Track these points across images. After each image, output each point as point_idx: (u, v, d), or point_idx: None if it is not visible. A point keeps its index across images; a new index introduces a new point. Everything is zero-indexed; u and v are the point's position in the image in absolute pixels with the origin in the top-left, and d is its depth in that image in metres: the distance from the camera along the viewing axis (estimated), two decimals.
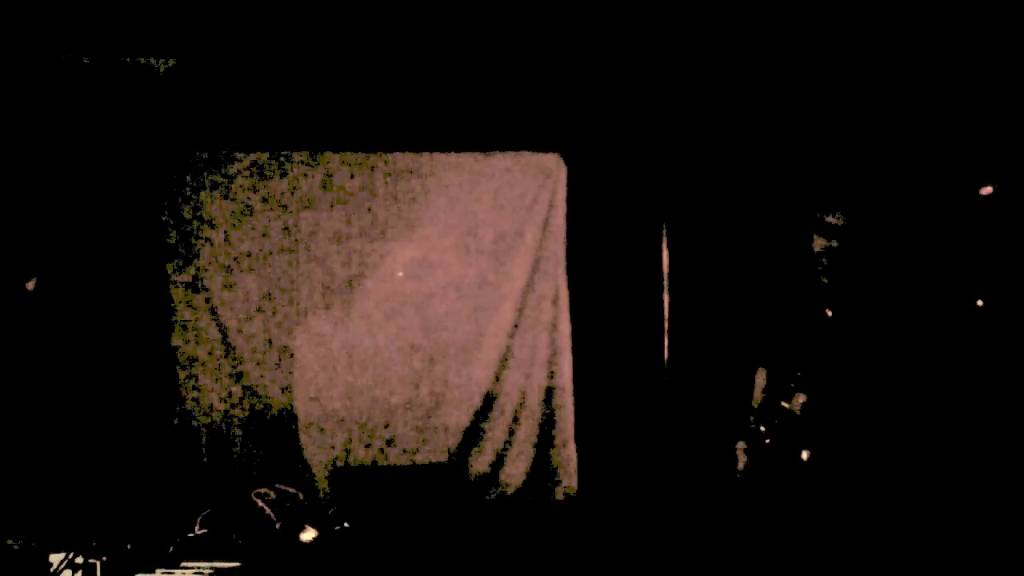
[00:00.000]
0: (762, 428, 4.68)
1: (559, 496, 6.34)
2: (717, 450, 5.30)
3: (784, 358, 4.67)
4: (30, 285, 3.53)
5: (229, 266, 6.16)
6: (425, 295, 6.31)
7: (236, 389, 6.15)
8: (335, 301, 6.25)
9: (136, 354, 5.89)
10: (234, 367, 6.15)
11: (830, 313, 4.59)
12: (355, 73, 5.92)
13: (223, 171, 6.17)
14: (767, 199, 6.06)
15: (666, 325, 6.29)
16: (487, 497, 6.28)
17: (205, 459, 6.07)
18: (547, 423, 6.37)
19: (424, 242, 6.34)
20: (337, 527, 4.09)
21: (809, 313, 4.64)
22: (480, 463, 6.31)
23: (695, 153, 6.25)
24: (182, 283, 6.13)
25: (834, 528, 4.60)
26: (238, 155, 6.18)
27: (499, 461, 6.33)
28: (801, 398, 4.58)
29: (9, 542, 2.99)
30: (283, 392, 6.18)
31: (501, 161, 6.36)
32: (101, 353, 5.62)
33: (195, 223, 6.14)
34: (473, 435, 6.31)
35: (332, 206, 6.26)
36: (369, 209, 6.29)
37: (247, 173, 6.19)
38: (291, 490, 4.20)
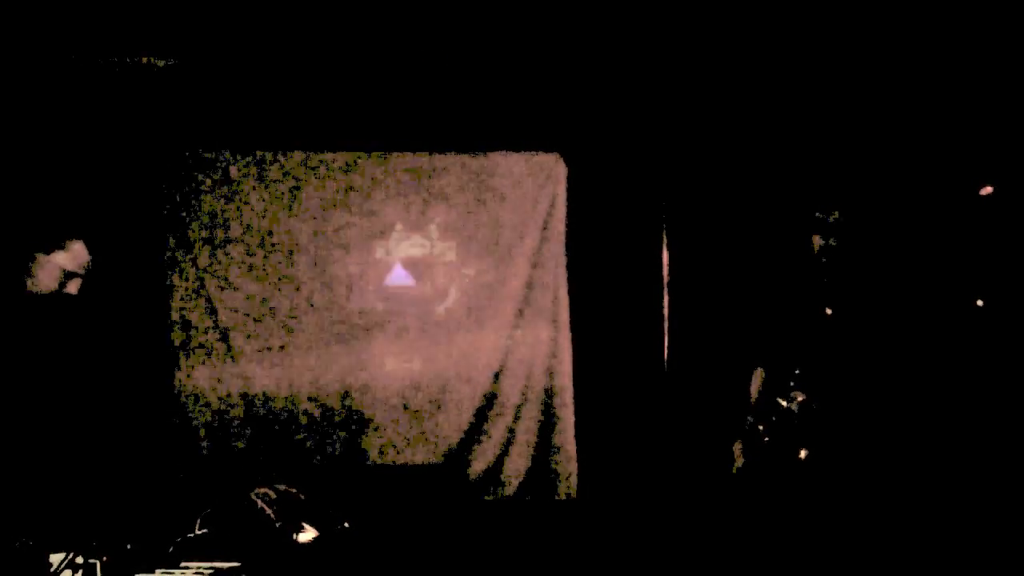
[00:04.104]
0: (761, 427, 4.67)
1: (559, 496, 6.34)
2: (717, 450, 5.29)
3: (783, 357, 4.67)
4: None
5: (229, 266, 6.17)
6: (425, 295, 6.32)
7: (236, 388, 6.16)
8: (335, 301, 6.26)
9: (136, 354, 5.91)
10: (234, 367, 6.16)
11: (829, 312, 4.58)
12: (355, 73, 5.92)
13: (223, 171, 6.18)
14: (766, 198, 6.06)
15: (666, 325, 6.29)
16: (487, 497, 6.29)
17: (205, 459, 6.09)
18: (547, 423, 6.38)
19: (424, 242, 6.34)
20: (337, 527, 4.08)
21: (808, 312, 4.64)
22: (480, 463, 6.32)
23: (695, 153, 6.25)
24: (182, 283, 6.14)
25: (834, 527, 4.60)
26: (238, 155, 6.20)
27: (499, 461, 6.33)
28: (800, 397, 4.58)
29: (11, 543, 2.99)
30: (283, 392, 6.19)
31: (501, 161, 6.37)
32: (101, 353, 5.62)
33: (195, 223, 6.15)
34: (473, 435, 6.32)
35: (332, 206, 6.27)
36: (369, 209, 6.29)
37: (247, 173, 6.20)
38: (291, 490, 4.19)
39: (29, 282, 3.51)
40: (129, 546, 3.14)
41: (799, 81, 5.95)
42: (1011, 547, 4.91)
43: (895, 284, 5.30)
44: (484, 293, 6.37)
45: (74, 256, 3.60)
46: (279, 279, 6.22)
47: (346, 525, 4.17)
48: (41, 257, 3.52)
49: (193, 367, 6.14)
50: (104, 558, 3.02)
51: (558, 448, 6.37)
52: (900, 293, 5.30)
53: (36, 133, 5.68)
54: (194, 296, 6.15)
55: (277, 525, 3.79)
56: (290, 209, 6.23)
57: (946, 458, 5.25)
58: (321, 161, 6.26)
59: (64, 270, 3.57)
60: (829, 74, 5.88)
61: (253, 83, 5.90)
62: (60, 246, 3.58)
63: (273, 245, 6.22)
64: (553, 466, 6.37)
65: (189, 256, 6.15)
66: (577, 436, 6.37)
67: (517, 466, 6.33)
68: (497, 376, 6.36)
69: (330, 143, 6.24)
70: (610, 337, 6.32)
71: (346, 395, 6.24)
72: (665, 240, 6.30)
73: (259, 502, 3.93)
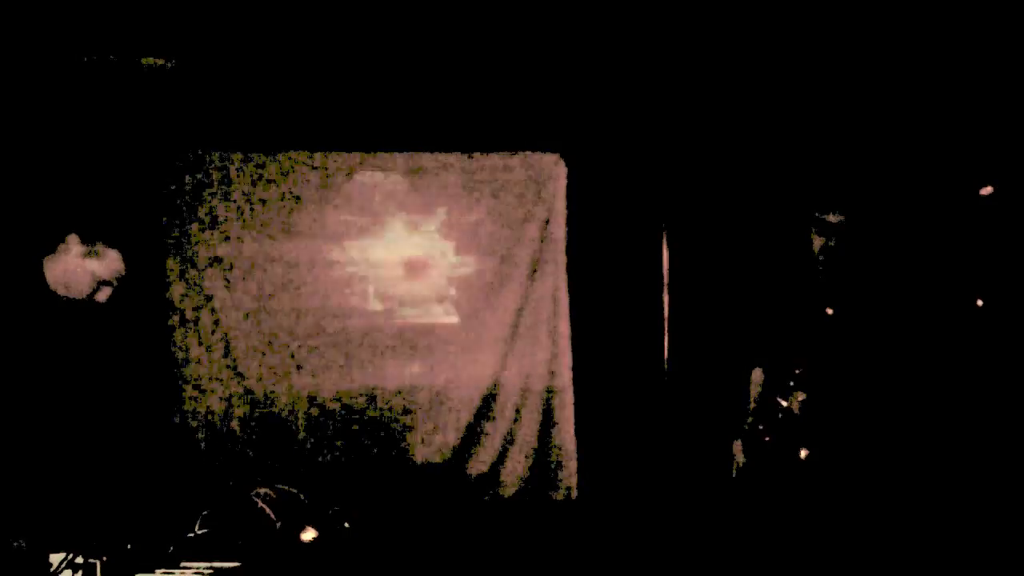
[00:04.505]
0: (761, 427, 4.67)
1: (559, 496, 6.34)
2: (717, 449, 5.30)
3: (783, 357, 4.67)
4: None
5: (229, 266, 6.17)
6: (424, 295, 6.32)
7: (236, 389, 6.16)
8: (335, 301, 6.26)
9: (136, 354, 5.90)
10: (234, 367, 6.15)
11: (830, 312, 4.59)
12: (355, 73, 5.92)
13: (223, 171, 6.18)
14: (766, 198, 6.06)
15: (666, 325, 6.29)
16: (487, 497, 6.29)
17: (205, 459, 6.08)
18: (547, 423, 6.38)
19: (423, 242, 6.34)
20: (337, 527, 4.08)
21: (808, 312, 4.64)
22: (480, 463, 6.31)
23: (695, 153, 6.25)
24: (182, 283, 6.13)
25: (834, 526, 4.60)
26: (238, 155, 6.19)
27: (499, 461, 6.33)
28: (800, 397, 4.58)
29: (13, 543, 2.99)
30: (283, 392, 6.19)
31: (501, 161, 6.37)
32: (101, 352, 5.62)
33: (195, 223, 6.15)
34: (473, 435, 6.32)
35: (332, 206, 6.26)
36: (369, 209, 6.29)
37: (247, 173, 6.19)
38: (291, 490, 4.19)
39: (61, 287, 3.47)
40: (129, 546, 3.14)
41: (799, 82, 5.95)
42: (1011, 546, 4.90)
43: (895, 284, 5.30)
44: (484, 293, 6.37)
45: (109, 265, 3.54)
46: (279, 278, 6.22)
47: (346, 525, 4.17)
48: (75, 262, 3.47)
49: (193, 366, 6.14)
50: (104, 558, 3.01)
51: (558, 448, 6.37)
52: (900, 293, 5.30)
53: (37, 133, 5.68)
54: (194, 295, 6.15)
55: (277, 525, 3.79)
56: (290, 209, 6.23)
57: (946, 457, 5.25)
58: (321, 161, 6.26)
59: (99, 279, 3.52)
60: (829, 75, 5.88)
61: (253, 83, 5.90)
62: (96, 253, 3.53)
63: (273, 244, 6.21)
64: (553, 466, 6.37)
65: (189, 256, 6.14)
66: (577, 436, 6.36)
67: (517, 466, 6.33)
68: (497, 376, 6.35)
69: (330, 143, 6.24)
70: (610, 337, 6.32)
71: (345, 395, 6.23)
72: (665, 240, 6.30)
73: (259, 502, 3.93)
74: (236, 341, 6.17)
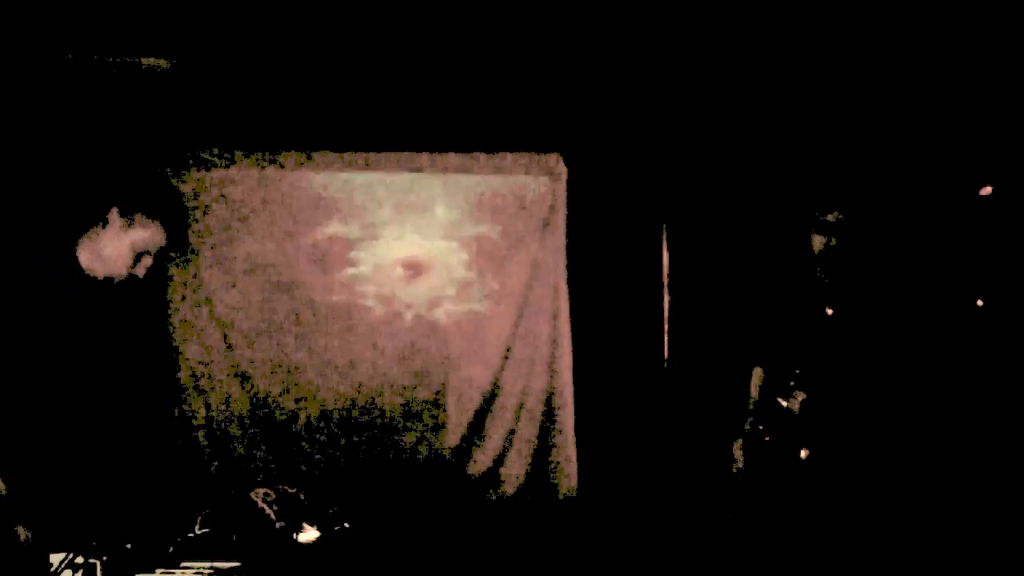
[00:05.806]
0: (761, 427, 4.67)
1: (559, 496, 6.34)
2: (717, 450, 5.30)
3: (783, 357, 4.67)
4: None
5: (229, 266, 6.17)
6: (424, 295, 6.32)
7: (236, 389, 6.16)
8: (334, 301, 6.26)
9: (136, 354, 5.90)
10: (234, 367, 6.16)
11: (830, 312, 4.58)
12: (355, 73, 5.92)
13: (223, 170, 6.18)
14: (766, 198, 6.07)
15: (666, 325, 6.29)
16: (487, 497, 6.29)
17: (205, 459, 6.09)
18: (547, 423, 6.38)
19: (423, 242, 6.34)
20: (337, 527, 4.08)
21: (808, 312, 4.64)
22: (480, 463, 6.31)
23: (695, 153, 6.25)
24: (182, 283, 6.14)
25: (834, 527, 4.60)
26: (238, 155, 6.20)
27: (499, 461, 6.33)
28: (800, 397, 4.58)
29: (20, 532, 2.99)
30: (283, 392, 6.19)
31: (501, 161, 6.37)
32: (101, 353, 5.62)
33: (195, 223, 6.15)
34: (473, 435, 6.32)
35: (332, 205, 6.26)
36: (369, 208, 6.29)
37: (247, 173, 6.19)
38: (291, 490, 4.19)
39: (98, 265, 3.44)
40: (129, 546, 3.14)
41: (799, 81, 5.95)
42: (1011, 547, 4.90)
43: (895, 284, 5.30)
44: (484, 293, 6.37)
45: (152, 236, 3.49)
46: (279, 278, 6.22)
47: (346, 525, 4.17)
48: (111, 235, 3.43)
49: (193, 366, 6.14)
50: (104, 558, 3.01)
51: (558, 448, 6.37)
52: (901, 293, 5.30)
53: (36, 134, 5.68)
54: (194, 295, 6.15)
55: (277, 525, 3.79)
56: (290, 208, 6.23)
57: (947, 458, 5.25)
58: (321, 161, 6.26)
59: (136, 252, 3.49)
60: (828, 74, 5.88)
61: (253, 84, 5.90)
62: (134, 223, 3.48)
63: (273, 244, 6.21)
64: (553, 466, 6.37)
65: (189, 256, 6.14)
66: (577, 436, 6.36)
67: (517, 466, 6.33)
68: (497, 376, 6.35)
69: (330, 143, 6.24)
70: (610, 337, 6.32)
71: (346, 395, 6.23)
72: (665, 240, 6.30)
73: (259, 502, 3.93)
74: (235, 341, 6.17)
